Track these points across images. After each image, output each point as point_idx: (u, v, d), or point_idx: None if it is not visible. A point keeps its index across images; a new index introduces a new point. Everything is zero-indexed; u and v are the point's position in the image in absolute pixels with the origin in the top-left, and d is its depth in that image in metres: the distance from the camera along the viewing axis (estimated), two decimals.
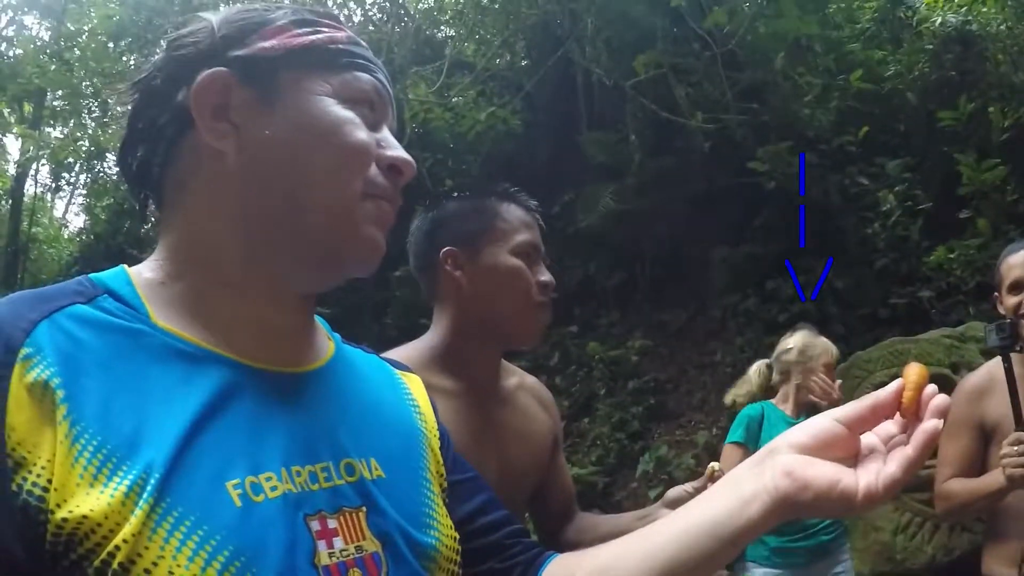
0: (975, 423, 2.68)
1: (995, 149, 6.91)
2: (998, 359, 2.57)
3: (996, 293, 2.77)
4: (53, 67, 11.41)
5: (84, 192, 16.25)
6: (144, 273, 0.91)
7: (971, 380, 2.79)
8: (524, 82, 9.61)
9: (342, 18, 1.01)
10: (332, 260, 0.93)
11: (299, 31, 0.93)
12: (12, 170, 14.92)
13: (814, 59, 7.94)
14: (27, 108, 13.79)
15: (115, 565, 0.71)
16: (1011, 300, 2.65)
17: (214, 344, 0.87)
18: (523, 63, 10.57)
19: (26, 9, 13.40)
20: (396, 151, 0.96)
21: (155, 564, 0.72)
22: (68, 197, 17.96)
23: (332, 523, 0.85)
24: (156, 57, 0.95)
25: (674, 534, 0.91)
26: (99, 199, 14.40)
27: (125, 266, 0.92)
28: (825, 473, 0.84)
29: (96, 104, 12.25)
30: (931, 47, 7.75)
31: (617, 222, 8.28)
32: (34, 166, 14.86)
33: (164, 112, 0.91)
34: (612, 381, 8.15)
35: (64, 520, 0.71)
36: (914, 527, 4.78)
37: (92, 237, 13.91)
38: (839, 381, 3.68)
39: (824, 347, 3.73)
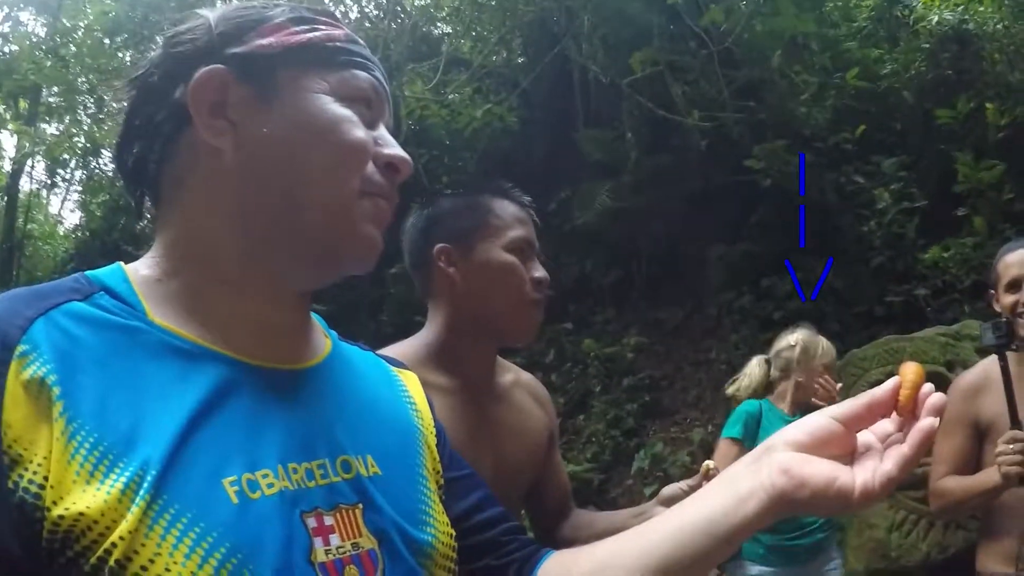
0: (970, 421, 2.68)
1: (992, 148, 6.91)
2: (993, 357, 2.58)
3: (992, 291, 2.77)
4: (49, 63, 11.37)
5: (80, 189, 16.22)
6: (141, 270, 0.91)
7: (966, 378, 2.80)
8: (520, 79, 9.59)
9: (339, 15, 1.01)
10: (329, 258, 0.93)
11: (297, 29, 0.93)
12: (7, 166, 14.88)
13: (810, 57, 7.94)
14: (22, 104, 13.76)
15: (111, 562, 0.71)
16: (1008, 298, 2.65)
17: (211, 341, 0.87)
18: (519, 60, 10.55)
19: (22, 5, 13.35)
20: (393, 149, 0.96)
21: (151, 561, 0.72)
22: (63, 194, 17.91)
23: (328, 520, 0.85)
24: (153, 54, 0.94)
25: (670, 531, 0.91)
26: (95, 196, 14.37)
27: (121, 263, 0.92)
28: (822, 471, 0.85)
29: (92, 100, 12.23)
30: (927, 46, 7.75)
31: (613, 220, 8.28)
32: (29, 162, 14.85)
33: (161, 109, 0.91)
34: (608, 378, 8.15)
35: (60, 517, 0.71)
36: (909, 524, 4.78)
37: (88, 234, 13.89)
38: (839, 384, 3.69)
39: (825, 347, 3.73)
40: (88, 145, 12.77)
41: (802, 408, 3.57)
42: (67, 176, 16.64)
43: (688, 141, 7.92)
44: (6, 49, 12.56)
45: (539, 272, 1.80)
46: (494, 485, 1.17)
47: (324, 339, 1.04)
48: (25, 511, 0.71)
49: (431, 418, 1.11)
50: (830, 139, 7.59)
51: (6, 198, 14.58)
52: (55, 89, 12.51)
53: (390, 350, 1.44)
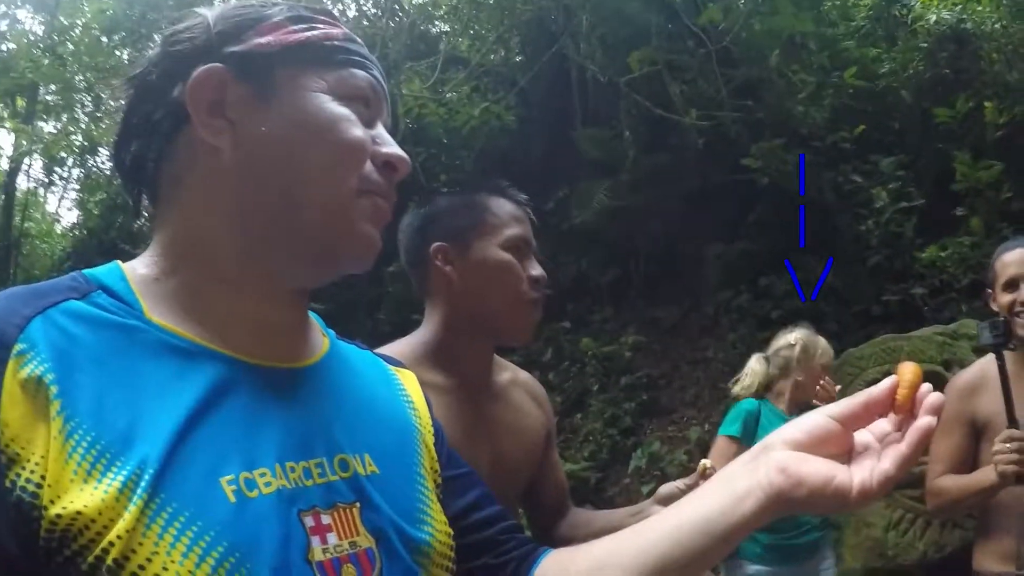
0: (967, 420, 2.69)
1: (990, 147, 6.91)
2: (990, 356, 2.58)
3: (990, 290, 2.78)
4: (46, 61, 11.36)
5: (77, 187, 16.19)
6: (138, 269, 0.91)
7: (963, 377, 2.80)
8: (518, 78, 9.59)
9: (337, 14, 1.01)
10: (328, 256, 0.93)
11: (295, 27, 0.93)
12: (5, 165, 14.86)
13: (808, 56, 7.94)
14: (20, 103, 13.73)
15: (109, 561, 0.71)
16: (1005, 298, 2.66)
17: (209, 340, 0.87)
18: (517, 59, 10.56)
19: (19, 3, 13.33)
20: (391, 148, 0.96)
21: (149, 560, 0.72)
22: (61, 192, 17.88)
23: (326, 519, 0.85)
24: (151, 52, 0.94)
25: (667, 530, 0.91)
26: (92, 194, 14.33)
27: (119, 262, 0.92)
28: (819, 470, 0.85)
29: (90, 99, 12.22)
30: (925, 45, 7.75)
31: (611, 218, 8.29)
32: (27, 161, 14.81)
33: (159, 108, 0.91)
34: (605, 377, 8.15)
35: (58, 517, 0.71)
36: (906, 523, 4.79)
37: (85, 232, 13.86)
38: (838, 387, 3.69)
39: (824, 347, 3.74)
40: (86, 143, 12.76)
41: (800, 407, 3.57)
42: (64, 174, 16.61)
43: (686, 140, 7.92)
44: (3, 47, 12.54)
45: (536, 270, 1.80)
46: (491, 484, 1.17)
47: (322, 338, 1.04)
48: (23, 510, 0.71)
49: (429, 417, 1.11)
50: (828, 138, 7.59)
51: (3, 196, 14.54)
52: (53, 87, 12.48)
53: (386, 349, 1.44)
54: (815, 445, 0.87)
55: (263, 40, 0.91)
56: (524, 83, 9.35)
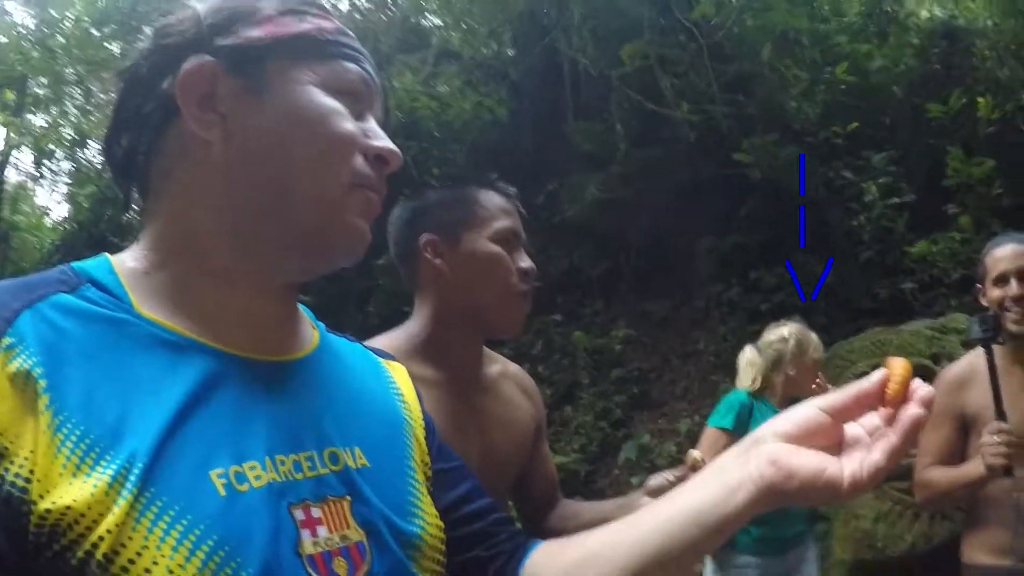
0: (955, 413, 2.70)
1: (981, 143, 6.93)
2: (979, 351, 2.60)
3: (979, 285, 2.79)
4: (36, 54, 11.30)
5: (67, 180, 16.11)
6: (127, 262, 0.91)
7: (952, 371, 2.82)
8: (510, 71, 9.59)
9: (329, 7, 1.01)
10: (318, 250, 0.93)
11: (286, 20, 0.93)
12: None
13: (801, 52, 7.95)
14: (9, 95, 13.63)
15: (98, 556, 0.71)
16: (995, 293, 2.67)
17: (198, 333, 0.87)
18: (509, 52, 10.53)
19: None
20: (382, 141, 0.96)
21: (139, 554, 0.72)
22: (50, 185, 17.79)
23: (316, 512, 0.85)
24: (141, 45, 0.94)
25: (660, 522, 0.92)
26: (82, 187, 14.25)
27: (108, 255, 0.92)
28: (811, 462, 0.85)
29: (79, 91, 12.16)
30: (917, 41, 7.78)
31: (602, 212, 8.29)
32: (16, 153, 14.74)
33: (150, 101, 0.91)
34: (595, 370, 8.15)
35: (47, 511, 0.71)
36: (895, 515, 4.81)
37: (75, 225, 13.78)
38: (829, 386, 3.69)
39: (816, 343, 3.74)
40: (76, 136, 12.70)
41: (790, 402, 3.57)
42: (54, 167, 16.52)
43: (677, 134, 7.92)
44: None
45: (526, 263, 1.80)
46: (481, 476, 1.17)
47: (312, 331, 1.03)
48: (12, 505, 0.71)
49: (419, 410, 1.11)
50: (820, 133, 7.60)
51: None
52: (43, 80, 12.42)
53: (376, 342, 1.44)
54: (805, 437, 0.88)
55: (254, 33, 0.91)
56: (516, 77, 9.34)
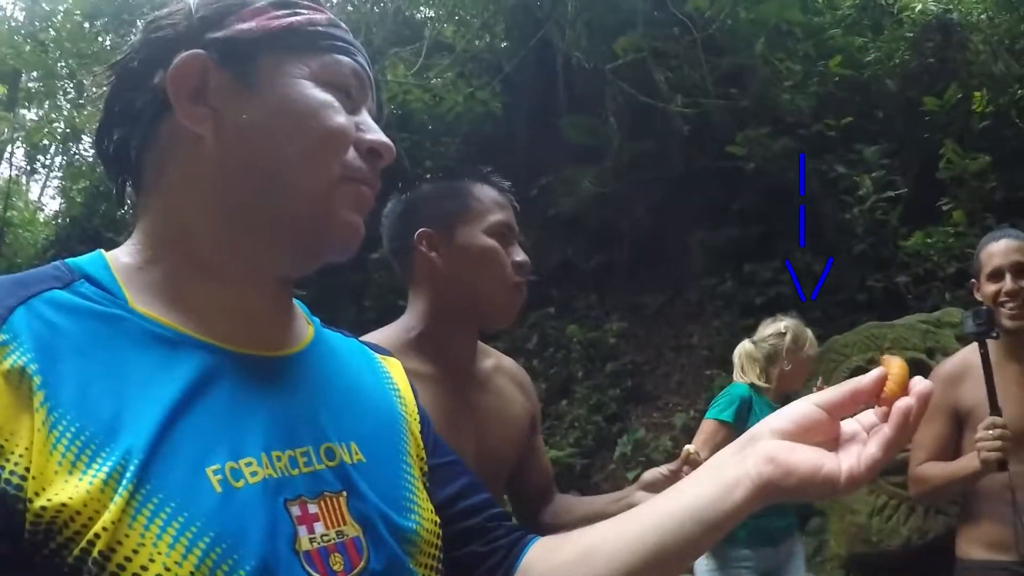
0: (950, 408, 2.71)
1: (975, 137, 6.94)
2: (973, 345, 2.61)
3: (974, 280, 2.80)
4: (28, 48, 11.28)
5: (60, 175, 16.08)
6: (121, 258, 0.90)
7: (946, 366, 2.83)
8: (503, 64, 9.57)
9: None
10: (310, 244, 0.93)
11: (278, 13, 0.92)
12: None
13: (794, 45, 7.95)
14: (1, 89, 13.62)
15: (94, 553, 0.70)
16: (990, 287, 2.68)
17: (193, 329, 0.86)
18: (503, 45, 10.51)
19: None
20: (375, 134, 0.95)
21: (135, 552, 0.71)
22: (43, 180, 17.76)
23: (312, 508, 0.85)
24: (133, 39, 0.94)
25: (658, 519, 0.92)
26: (75, 182, 14.23)
27: (102, 251, 0.91)
28: (808, 458, 0.85)
29: (72, 85, 12.13)
30: (911, 35, 7.78)
31: (596, 205, 8.29)
32: (9, 148, 14.71)
33: (141, 95, 0.90)
34: (590, 363, 8.16)
35: (43, 509, 0.70)
36: (890, 509, 4.83)
37: (68, 220, 13.76)
38: (820, 380, 3.70)
39: (811, 338, 3.75)
40: (68, 131, 12.67)
41: (783, 397, 3.58)
42: (47, 162, 16.50)
43: (671, 127, 7.93)
44: None
45: (520, 256, 1.80)
46: (476, 471, 1.17)
47: (307, 326, 1.03)
48: (7, 503, 0.70)
49: (415, 405, 1.11)
50: (813, 126, 7.61)
51: None
52: (35, 74, 12.40)
53: (370, 337, 1.44)
54: (802, 434, 0.88)
55: (246, 26, 0.91)
56: (509, 69, 9.32)
